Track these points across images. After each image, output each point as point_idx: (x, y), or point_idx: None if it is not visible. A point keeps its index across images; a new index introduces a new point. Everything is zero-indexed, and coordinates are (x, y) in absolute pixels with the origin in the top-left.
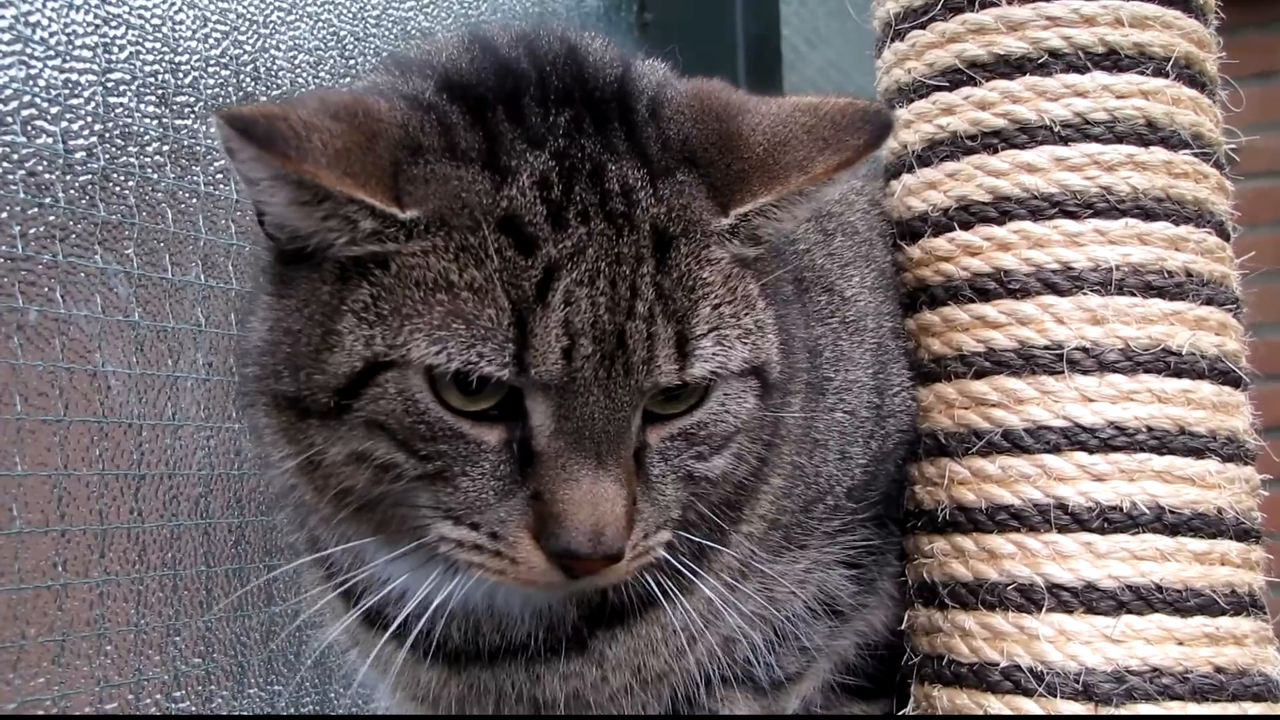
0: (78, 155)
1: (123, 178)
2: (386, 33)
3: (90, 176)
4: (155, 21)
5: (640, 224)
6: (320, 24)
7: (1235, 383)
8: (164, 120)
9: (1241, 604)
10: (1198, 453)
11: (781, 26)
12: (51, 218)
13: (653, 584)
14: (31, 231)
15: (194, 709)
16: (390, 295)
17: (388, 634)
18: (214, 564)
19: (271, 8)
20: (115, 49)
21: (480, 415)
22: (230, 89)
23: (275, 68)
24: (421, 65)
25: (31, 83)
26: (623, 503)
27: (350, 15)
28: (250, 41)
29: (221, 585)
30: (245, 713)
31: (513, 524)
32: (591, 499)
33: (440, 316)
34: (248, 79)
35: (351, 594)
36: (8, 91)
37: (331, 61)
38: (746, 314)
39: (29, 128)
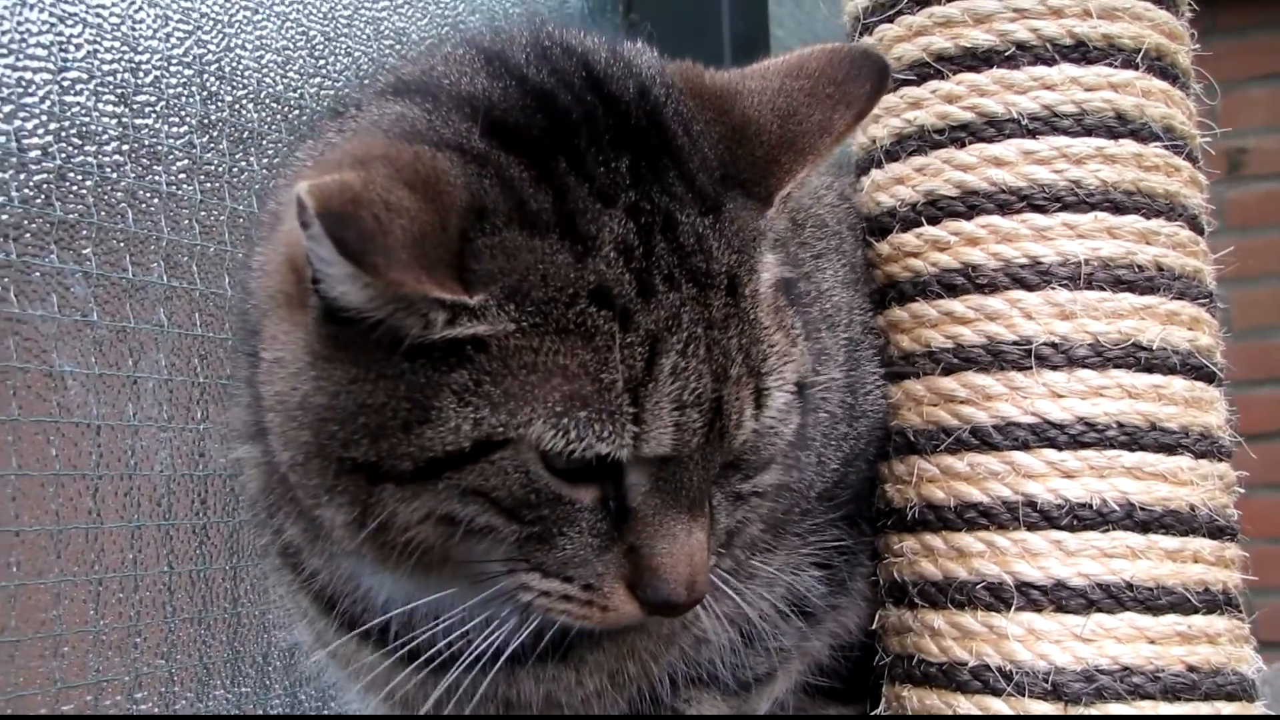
0: (32, 154)
1: (80, 177)
2: (359, 33)
3: (46, 175)
4: (114, 20)
5: (718, 276)
6: (289, 23)
7: (1209, 378)
8: (124, 119)
9: (1215, 602)
10: (1169, 449)
11: (770, 26)
12: (5, 216)
13: None
14: None
15: (157, 710)
16: (496, 378)
17: (385, 648)
18: (176, 565)
19: (237, 6)
20: (71, 47)
21: (574, 474)
22: (194, 88)
23: (241, 67)
24: (453, 97)
25: None
26: (706, 551)
27: (320, 15)
28: (214, 40)
29: (185, 586)
30: (211, 714)
31: (609, 577)
32: (687, 553)
33: (558, 400)
34: (212, 78)
35: (327, 599)
36: None
37: (301, 62)
38: (792, 332)
39: None
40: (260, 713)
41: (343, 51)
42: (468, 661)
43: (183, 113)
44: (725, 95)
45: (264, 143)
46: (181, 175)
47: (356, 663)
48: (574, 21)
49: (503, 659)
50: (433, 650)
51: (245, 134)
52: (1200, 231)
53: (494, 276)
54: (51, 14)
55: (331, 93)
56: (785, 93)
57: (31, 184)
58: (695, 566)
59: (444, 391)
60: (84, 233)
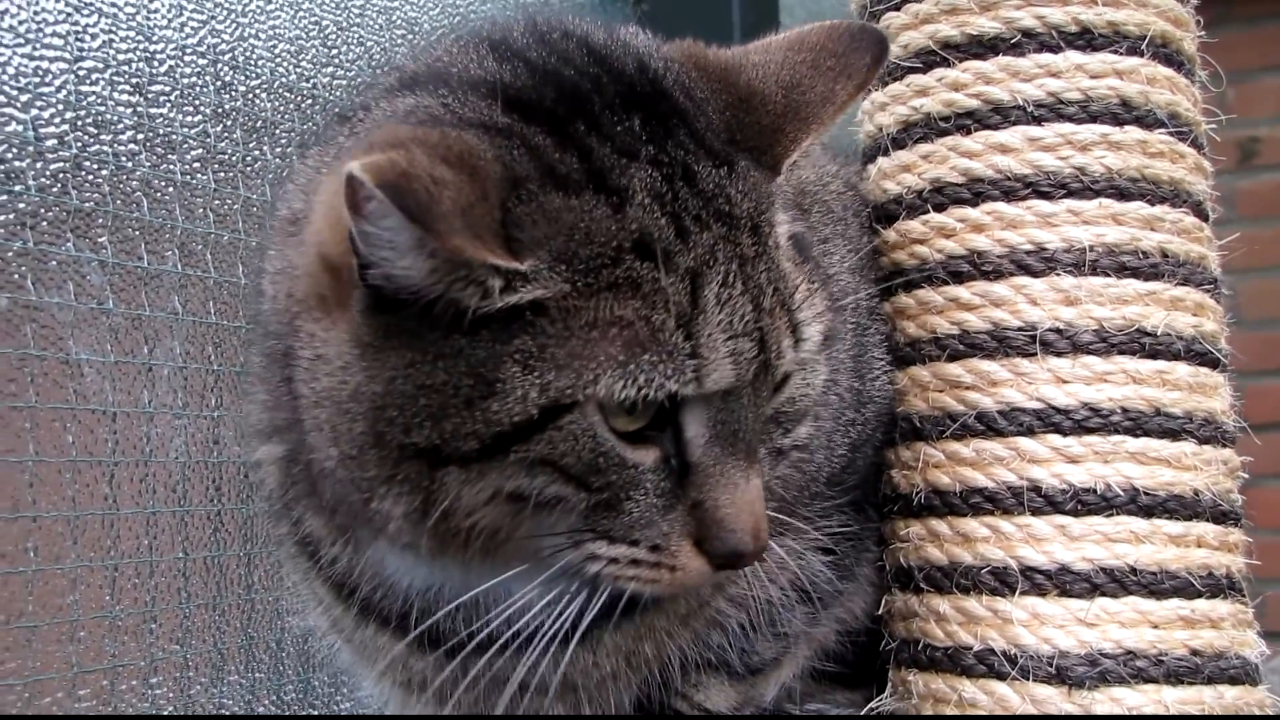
0: (49, 143)
1: (95, 165)
2: (371, 23)
3: (62, 164)
4: (129, 10)
5: (741, 219)
6: (302, 13)
7: (1213, 364)
8: (139, 109)
9: (1219, 586)
10: (1174, 434)
11: (780, 15)
12: (22, 205)
13: None
14: (1, 219)
15: (172, 695)
16: (559, 340)
17: (405, 634)
18: (191, 551)
19: None
20: (87, 37)
21: (634, 436)
22: (208, 78)
23: (255, 57)
24: (465, 82)
25: (0, 70)
26: (763, 499)
27: (333, 5)
28: (228, 30)
29: (199, 572)
30: (225, 699)
31: (675, 535)
32: (749, 500)
33: (619, 350)
34: (226, 68)
35: (346, 588)
36: None
37: (314, 51)
38: (813, 280)
39: None
40: (274, 699)
41: (355, 41)
42: (544, 641)
43: (197, 102)
44: (729, 69)
45: (277, 132)
46: (196, 164)
47: (374, 649)
48: (585, 12)
49: (578, 634)
50: (505, 635)
51: (259, 123)
52: (1205, 218)
53: (540, 241)
54: (67, 4)
55: (344, 82)
56: (788, 65)
57: (48, 173)
58: (758, 515)
59: (507, 361)
60: (100, 221)
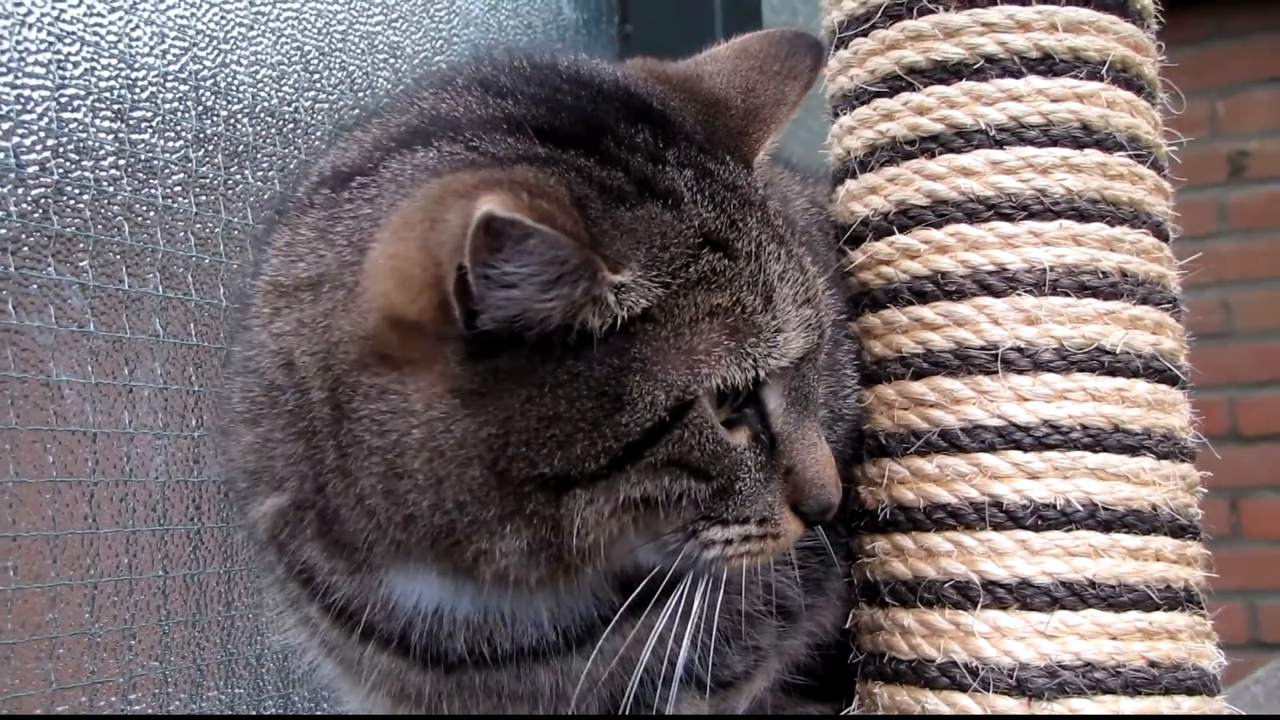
0: (30, 169)
1: (77, 191)
2: (353, 48)
3: (43, 190)
4: (111, 38)
5: (758, 204)
6: (284, 39)
7: (1172, 381)
8: (120, 135)
9: (1176, 599)
10: (1132, 450)
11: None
12: (3, 231)
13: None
14: None
15: (150, 711)
16: (671, 341)
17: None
18: (171, 569)
19: (232, 23)
20: (69, 65)
21: (729, 423)
22: (190, 104)
23: (236, 82)
24: (478, 123)
25: None
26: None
27: (315, 30)
28: (210, 57)
29: (179, 590)
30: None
31: (777, 504)
32: (827, 455)
33: (727, 337)
34: (207, 94)
35: (344, 612)
36: None
37: (295, 76)
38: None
39: None
40: (255, 713)
41: (337, 66)
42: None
43: (178, 127)
44: (689, 79)
45: (259, 156)
46: (177, 189)
47: (370, 666)
48: (568, 35)
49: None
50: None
51: (240, 148)
52: (1165, 238)
53: (627, 254)
54: (50, 33)
55: (326, 106)
56: (739, 72)
57: (29, 199)
58: (833, 468)
59: (629, 373)
60: (81, 245)
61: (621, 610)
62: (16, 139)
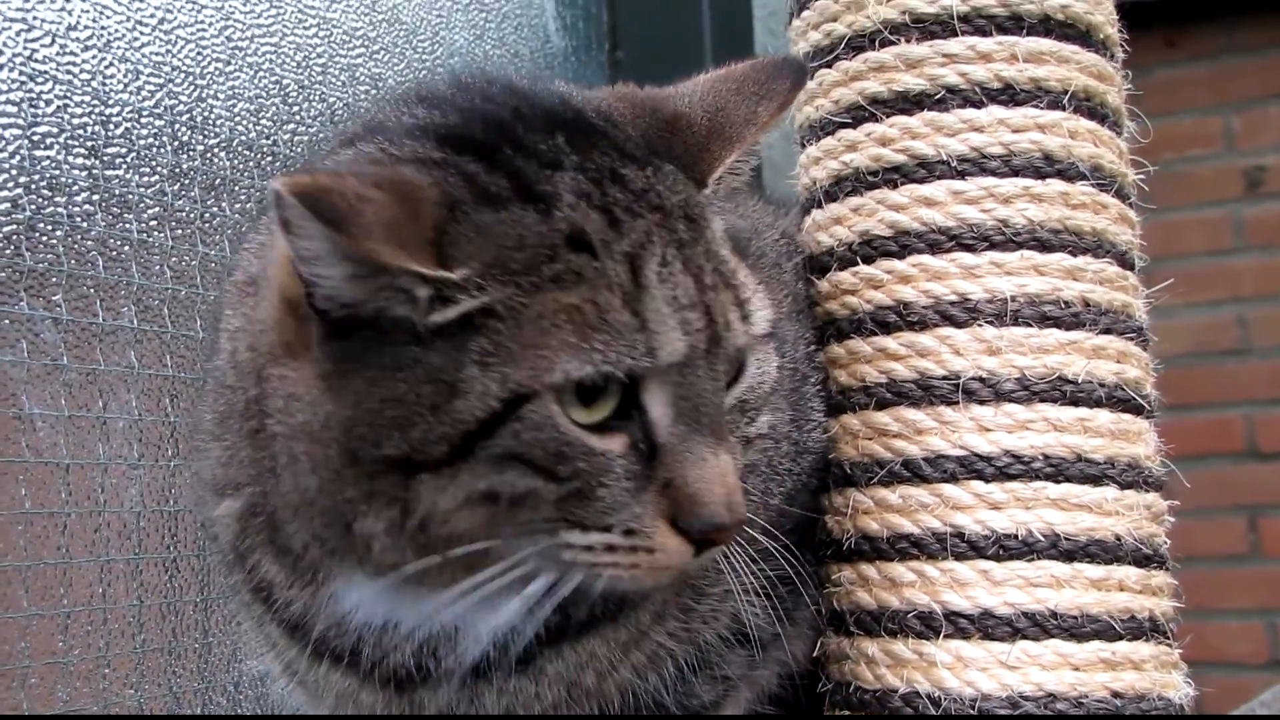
0: (1, 206)
1: (50, 227)
2: (334, 80)
3: (15, 227)
4: (85, 76)
5: (673, 210)
6: (262, 72)
7: (1137, 410)
8: (94, 171)
9: (1141, 629)
10: (1095, 480)
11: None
12: None
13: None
14: None
15: None
16: (511, 336)
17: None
18: (146, 598)
19: (208, 58)
20: (41, 103)
21: (600, 427)
22: (165, 138)
23: (213, 116)
24: (399, 129)
25: None
26: (738, 470)
27: (294, 64)
28: (186, 92)
29: (154, 619)
30: None
31: (648, 516)
32: (719, 473)
33: (572, 333)
34: (183, 128)
35: (297, 628)
36: None
37: (274, 109)
38: (751, 278)
39: None
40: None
41: (317, 98)
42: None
43: (154, 162)
44: (656, 99)
45: (236, 189)
46: (153, 222)
47: (326, 686)
48: (557, 63)
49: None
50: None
51: (217, 180)
52: (1129, 267)
53: (473, 253)
54: (21, 72)
55: (305, 139)
56: (713, 93)
57: (1, 235)
58: (730, 486)
59: (466, 362)
60: (54, 280)
61: (560, 629)
62: None
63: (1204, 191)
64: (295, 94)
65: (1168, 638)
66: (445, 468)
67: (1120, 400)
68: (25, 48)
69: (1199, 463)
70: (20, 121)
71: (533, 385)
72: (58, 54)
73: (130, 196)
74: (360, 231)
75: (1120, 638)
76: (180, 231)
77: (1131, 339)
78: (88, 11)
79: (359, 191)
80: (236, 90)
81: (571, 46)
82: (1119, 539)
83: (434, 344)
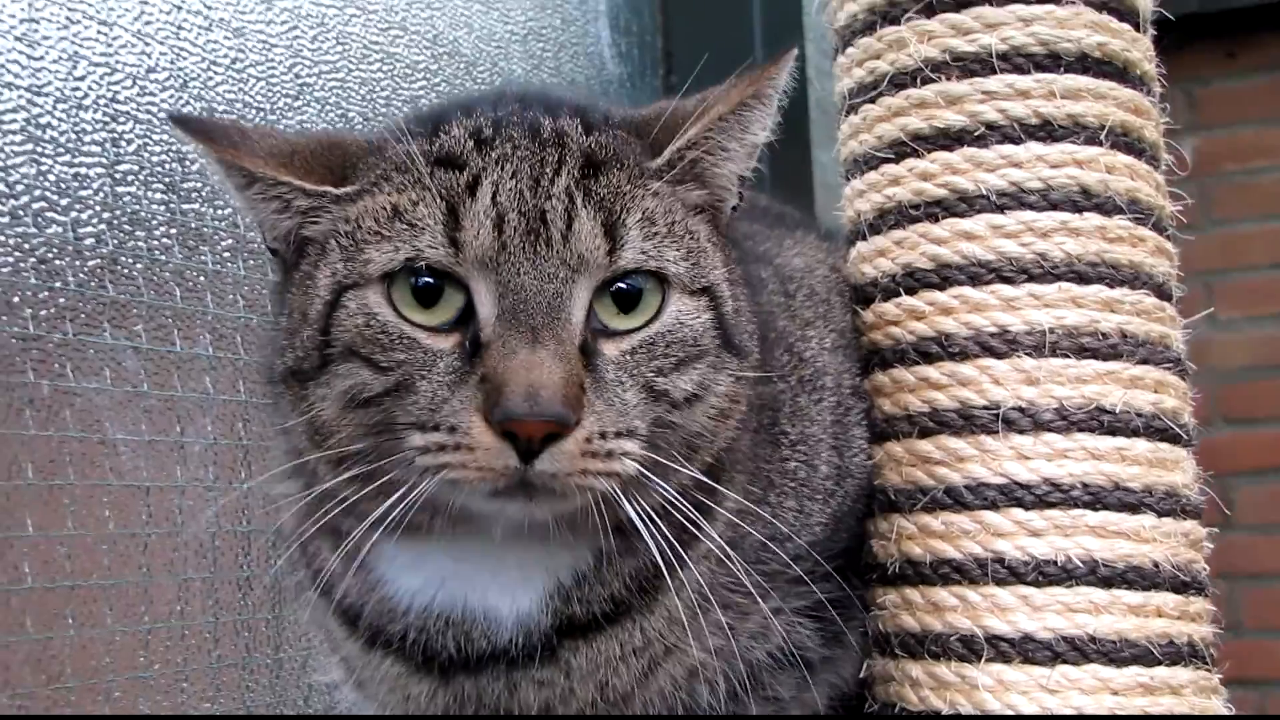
0: (87, 241)
1: (131, 260)
2: (396, 112)
3: (99, 260)
4: (162, 115)
5: (570, 148)
6: (329, 107)
7: (1174, 439)
8: (171, 205)
9: (1179, 654)
10: (1132, 508)
11: (809, 93)
12: (62, 300)
13: (621, 586)
14: (42, 313)
15: None
16: (351, 238)
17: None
18: (221, 615)
19: (279, 95)
20: (123, 143)
21: (439, 329)
22: None
23: None
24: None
25: (41, 178)
26: (560, 372)
27: (360, 98)
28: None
29: (229, 635)
30: None
31: (465, 411)
32: (526, 365)
33: (388, 230)
34: None
35: (351, 616)
36: (19, 187)
37: None
38: (689, 236)
39: (40, 219)
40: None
41: None
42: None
43: (227, 196)
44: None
45: None
46: (226, 254)
47: (379, 677)
48: (612, 89)
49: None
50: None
51: None
52: (1167, 298)
53: (364, 175)
54: (105, 113)
55: None
56: (707, 93)
57: (86, 269)
58: (536, 379)
59: (322, 269)
60: (135, 311)
61: (572, 622)
62: (74, 214)
63: (1266, 204)
64: (361, 127)
65: (1207, 663)
66: (321, 372)
67: (1157, 429)
68: (109, 90)
69: (1262, 477)
70: (104, 160)
71: (353, 277)
72: (138, 95)
73: (205, 229)
74: (230, 144)
75: (1159, 663)
76: (252, 262)
77: (1169, 369)
78: (166, 54)
79: (265, 131)
80: (305, 124)
81: (626, 73)
82: (1157, 565)
83: (311, 258)
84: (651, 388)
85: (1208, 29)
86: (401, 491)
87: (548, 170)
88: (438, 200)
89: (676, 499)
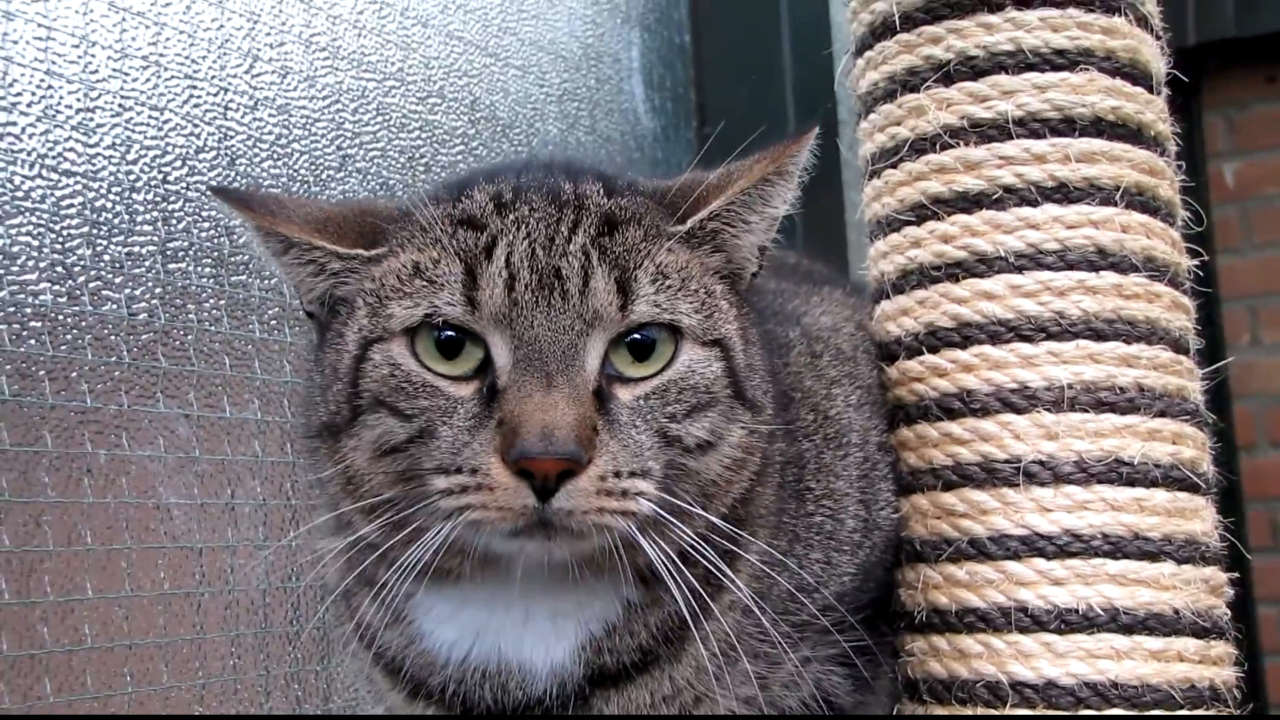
0: (140, 316)
1: (182, 331)
2: (436, 177)
3: (152, 334)
4: (209, 193)
5: (589, 208)
6: (369, 176)
7: (1193, 488)
8: (220, 278)
9: (1201, 698)
10: (1152, 556)
11: (839, 139)
12: (117, 373)
13: (649, 636)
14: (99, 386)
15: None
16: (376, 295)
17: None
18: (272, 668)
19: (322, 168)
20: (173, 221)
21: (460, 378)
22: None
23: None
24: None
25: (97, 259)
26: (573, 413)
27: (400, 165)
28: (302, 197)
29: (280, 688)
30: None
31: (484, 453)
32: (541, 407)
33: (410, 288)
34: None
35: (392, 666)
36: (77, 269)
37: None
38: (703, 291)
39: (95, 298)
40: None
41: None
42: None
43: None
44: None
45: None
46: (273, 322)
47: None
48: (646, 142)
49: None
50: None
51: None
52: (1184, 351)
53: (392, 238)
54: (156, 194)
55: None
56: (743, 162)
57: (139, 343)
58: (550, 420)
59: (350, 327)
60: (186, 380)
61: (604, 672)
62: (128, 291)
63: None
64: (401, 193)
65: (1229, 706)
66: (353, 424)
67: (1176, 479)
68: (160, 171)
69: None
70: (155, 239)
71: (377, 331)
72: (188, 175)
73: (252, 300)
74: (267, 212)
75: (1180, 707)
76: (298, 329)
77: (1187, 420)
78: (214, 134)
79: (302, 203)
80: (348, 193)
81: (660, 127)
82: (1177, 612)
83: (342, 318)
84: (665, 433)
85: (1247, 54)
86: (427, 536)
87: (564, 229)
88: (456, 260)
89: (696, 544)
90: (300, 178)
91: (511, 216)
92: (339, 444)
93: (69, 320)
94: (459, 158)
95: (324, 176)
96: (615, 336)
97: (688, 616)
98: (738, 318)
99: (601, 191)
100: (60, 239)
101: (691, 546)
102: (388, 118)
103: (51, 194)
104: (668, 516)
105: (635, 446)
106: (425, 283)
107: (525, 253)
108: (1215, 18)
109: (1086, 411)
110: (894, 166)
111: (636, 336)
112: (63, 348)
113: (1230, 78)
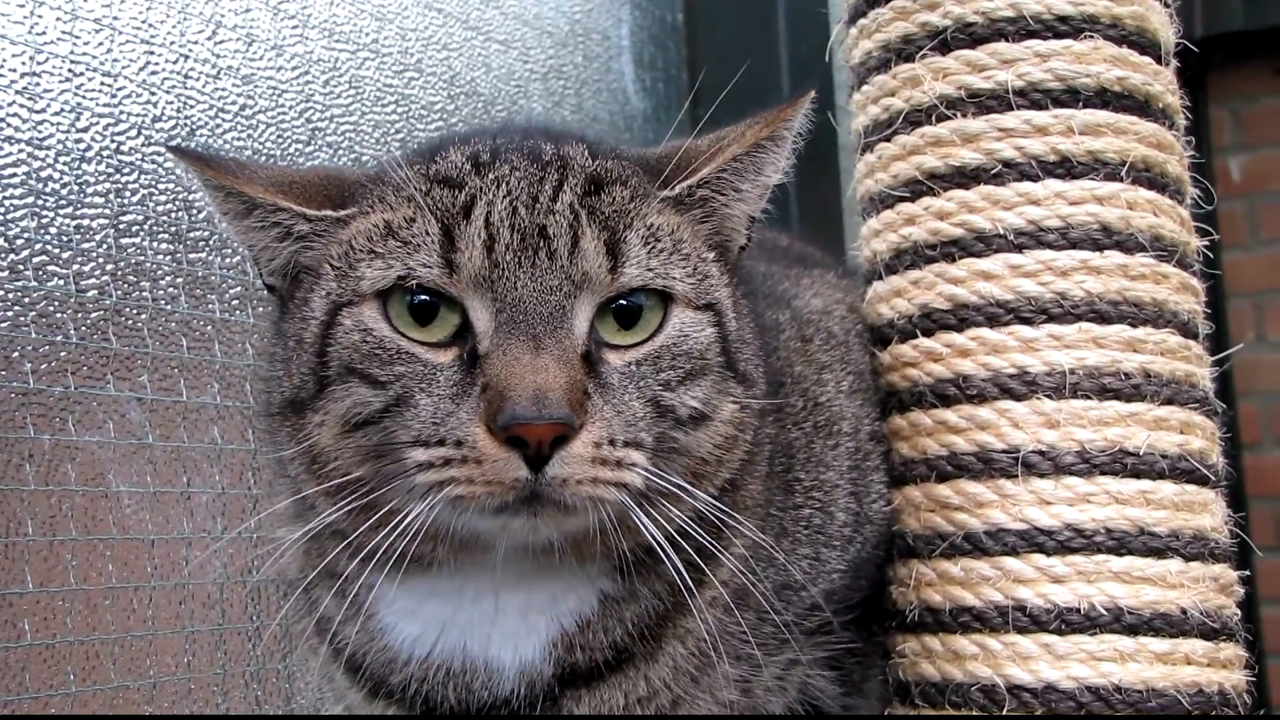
0: (89, 294)
1: (135, 311)
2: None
3: (102, 313)
4: (168, 165)
5: (573, 168)
6: (340, 150)
7: (1202, 481)
8: (177, 255)
9: (1209, 703)
10: (1159, 553)
11: (836, 121)
12: (64, 353)
13: (624, 633)
14: (43, 367)
15: None
16: (345, 259)
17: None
18: (230, 666)
19: (290, 140)
20: (127, 193)
21: (436, 344)
22: None
23: None
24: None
25: (43, 231)
26: (564, 375)
27: (373, 140)
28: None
29: (239, 687)
30: None
31: (470, 422)
32: (531, 369)
33: (382, 249)
34: None
35: (355, 665)
36: (20, 241)
37: None
38: (695, 255)
39: (40, 273)
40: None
41: None
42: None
43: (235, 244)
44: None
45: None
46: (235, 302)
47: None
48: (637, 124)
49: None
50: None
51: None
52: (1193, 336)
53: (366, 195)
54: (109, 164)
55: None
56: (733, 128)
57: (88, 322)
58: (541, 383)
59: (316, 294)
60: (140, 362)
61: (574, 672)
62: (76, 266)
63: None
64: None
65: (1238, 711)
66: (318, 399)
67: (1184, 472)
68: (113, 140)
69: None
70: (107, 212)
71: (347, 295)
72: (143, 145)
73: (213, 278)
74: (229, 172)
75: (1188, 712)
76: (262, 309)
77: (1195, 409)
78: (172, 103)
79: (266, 165)
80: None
81: (650, 108)
82: (1185, 612)
83: (306, 285)
84: (658, 401)
85: (1254, 47)
86: (400, 518)
87: (548, 188)
88: (432, 219)
89: (686, 523)
90: (266, 150)
91: (491, 175)
92: (303, 420)
93: (11, 296)
94: (436, 133)
95: (291, 150)
96: (604, 301)
97: (669, 607)
98: (728, 285)
99: (586, 153)
100: (1, 209)
101: (679, 531)
102: (361, 91)
103: None
104: (658, 495)
105: (629, 414)
106: (399, 243)
107: (506, 211)
108: (1222, 10)
109: (1089, 398)
110: (888, 140)
111: (623, 302)
112: (4, 325)
113: (1237, 71)
